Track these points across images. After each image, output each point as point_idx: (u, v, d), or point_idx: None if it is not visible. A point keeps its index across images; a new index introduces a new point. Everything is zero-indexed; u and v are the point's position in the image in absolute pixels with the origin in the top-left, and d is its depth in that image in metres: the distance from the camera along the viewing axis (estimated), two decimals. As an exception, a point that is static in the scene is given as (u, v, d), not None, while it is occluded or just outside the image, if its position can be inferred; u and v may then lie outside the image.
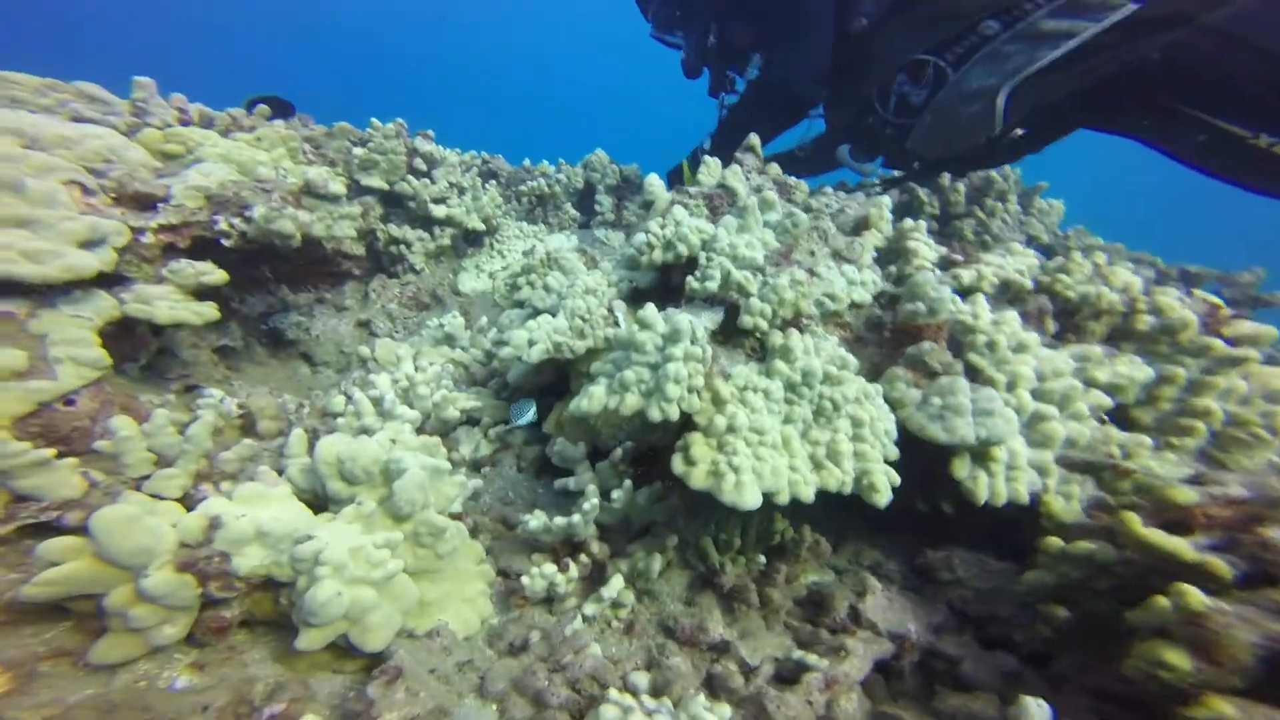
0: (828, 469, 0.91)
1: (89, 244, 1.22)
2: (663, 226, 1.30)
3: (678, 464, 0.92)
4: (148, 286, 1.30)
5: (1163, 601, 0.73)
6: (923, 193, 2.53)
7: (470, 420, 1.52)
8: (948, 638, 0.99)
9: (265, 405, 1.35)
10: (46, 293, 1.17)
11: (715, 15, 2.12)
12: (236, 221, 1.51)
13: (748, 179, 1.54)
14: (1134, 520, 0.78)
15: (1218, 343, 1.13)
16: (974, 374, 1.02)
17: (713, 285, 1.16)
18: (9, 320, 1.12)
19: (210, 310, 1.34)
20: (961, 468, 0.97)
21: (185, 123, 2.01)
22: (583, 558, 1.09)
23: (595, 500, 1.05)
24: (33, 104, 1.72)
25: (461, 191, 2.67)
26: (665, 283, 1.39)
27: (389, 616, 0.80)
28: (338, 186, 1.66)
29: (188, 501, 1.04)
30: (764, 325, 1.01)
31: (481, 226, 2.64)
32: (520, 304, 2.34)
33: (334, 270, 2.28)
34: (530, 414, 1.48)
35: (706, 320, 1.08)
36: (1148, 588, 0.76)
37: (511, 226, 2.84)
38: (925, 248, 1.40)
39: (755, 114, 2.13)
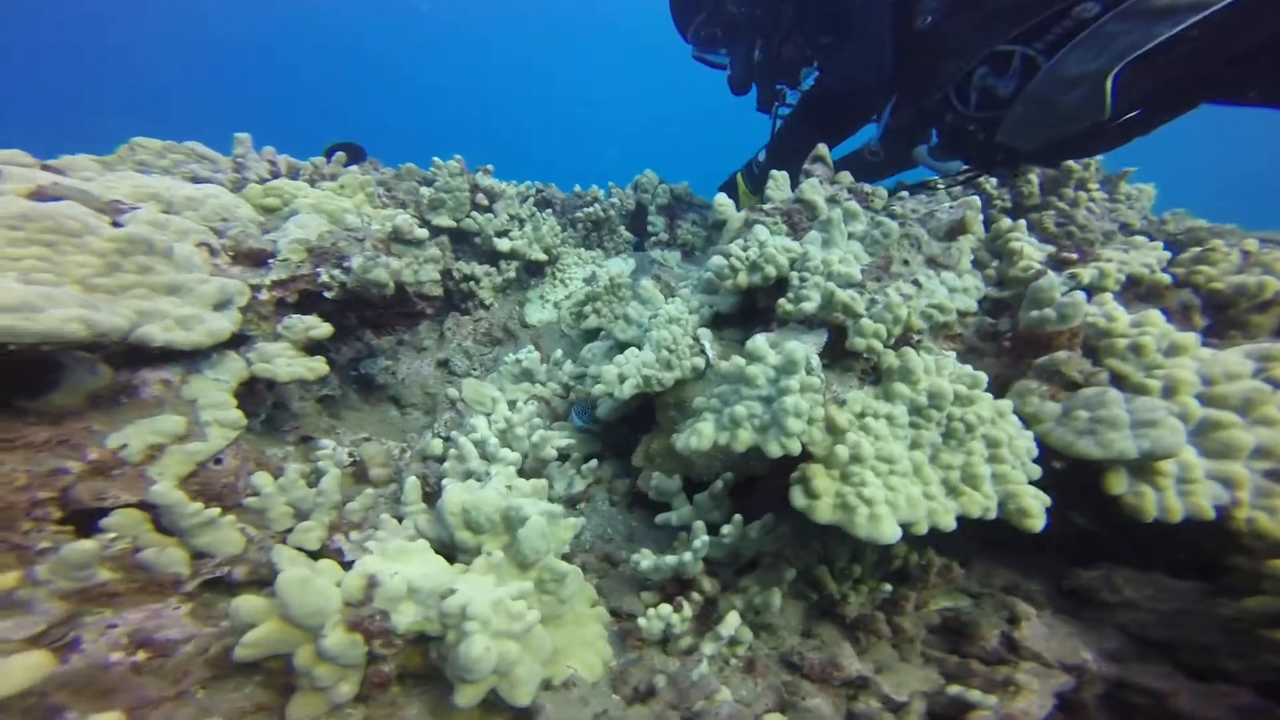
0: (967, 495, 0.85)
1: (220, 305, 1.33)
2: (745, 248, 1.28)
3: (798, 498, 0.89)
4: (267, 344, 1.40)
5: None
6: (989, 186, 2.38)
7: (561, 456, 1.54)
8: (1137, 667, 0.89)
9: (375, 453, 1.42)
10: (193, 357, 1.29)
11: (761, 30, 2.10)
12: (336, 273, 1.61)
13: (822, 190, 1.50)
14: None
15: None
16: (1118, 382, 0.94)
17: (809, 306, 1.13)
18: (168, 387, 1.24)
19: (321, 365, 1.43)
20: (1118, 483, 0.88)
21: (275, 174, 2.18)
22: (695, 595, 1.07)
23: (705, 537, 1.03)
24: (156, 166, 1.92)
25: (521, 223, 2.75)
26: (749, 306, 1.37)
27: (532, 669, 0.81)
28: (422, 231, 1.75)
29: (325, 552, 1.11)
30: (879, 346, 0.96)
31: (543, 256, 2.70)
32: (596, 334, 2.38)
33: (411, 311, 2.40)
34: (591, 415, 1.48)
35: (810, 344, 1.05)
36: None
37: (570, 254, 2.90)
38: (1030, 247, 1.31)
39: (813, 125, 2.08)
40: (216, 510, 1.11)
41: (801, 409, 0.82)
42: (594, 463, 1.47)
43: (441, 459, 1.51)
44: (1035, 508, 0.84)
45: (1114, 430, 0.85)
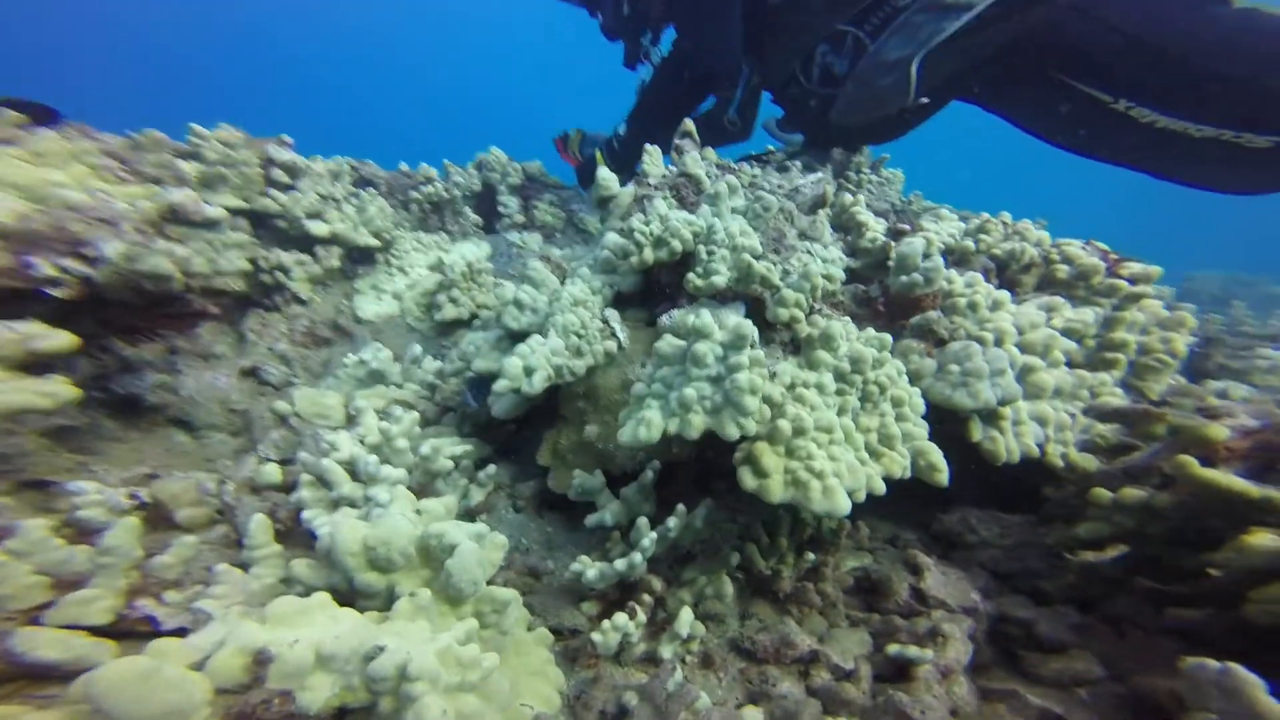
0: (888, 456, 0.93)
1: None
2: (647, 223, 1.23)
3: (747, 479, 0.87)
4: (-53, 366, 0.89)
5: (1257, 541, 0.77)
6: (795, 165, 2.74)
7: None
8: (1006, 600, 1.05)
9: (179, 490, 1.02)
10: None
11: None
12: (70, 264, 1.11)
13: (703, 164, 1.52)
14: (1192, 464, 0.83)
15: (1122, 283, 1.39)
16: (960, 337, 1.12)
17: (720, 280, 1.12)
18: None
19: (66, 389, 0.98)
20: (976, 430, 1.05)
21: None
22: (645, 597, 1.00)
23: (653, 534, 0.97)
24: None
25: (338, 204, 2.29)
26: (650, 285, 1.32)
27: None
28: (214, 209, 1.31)
29: (124, 625, 0.74)
30: (801, 315, 1.00)
31: (374, 242, 2.30)
32: (453, 326, 2.09)
33: (185, 311, 1.81)
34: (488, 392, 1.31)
35: (727, 317, 1.05)
36: (1205, 529, 0.85)
37: (407, 239, 2.52)
38: (873, 219, 1.51)
39: (671, 91, 2.11)
40: None
41: (756, 385, 0.81)
42: (491, 468, 1.29)
43: (282, 488, 1.16)
44: (942, 462, 0.96)
45: (980, 380, 1.02)
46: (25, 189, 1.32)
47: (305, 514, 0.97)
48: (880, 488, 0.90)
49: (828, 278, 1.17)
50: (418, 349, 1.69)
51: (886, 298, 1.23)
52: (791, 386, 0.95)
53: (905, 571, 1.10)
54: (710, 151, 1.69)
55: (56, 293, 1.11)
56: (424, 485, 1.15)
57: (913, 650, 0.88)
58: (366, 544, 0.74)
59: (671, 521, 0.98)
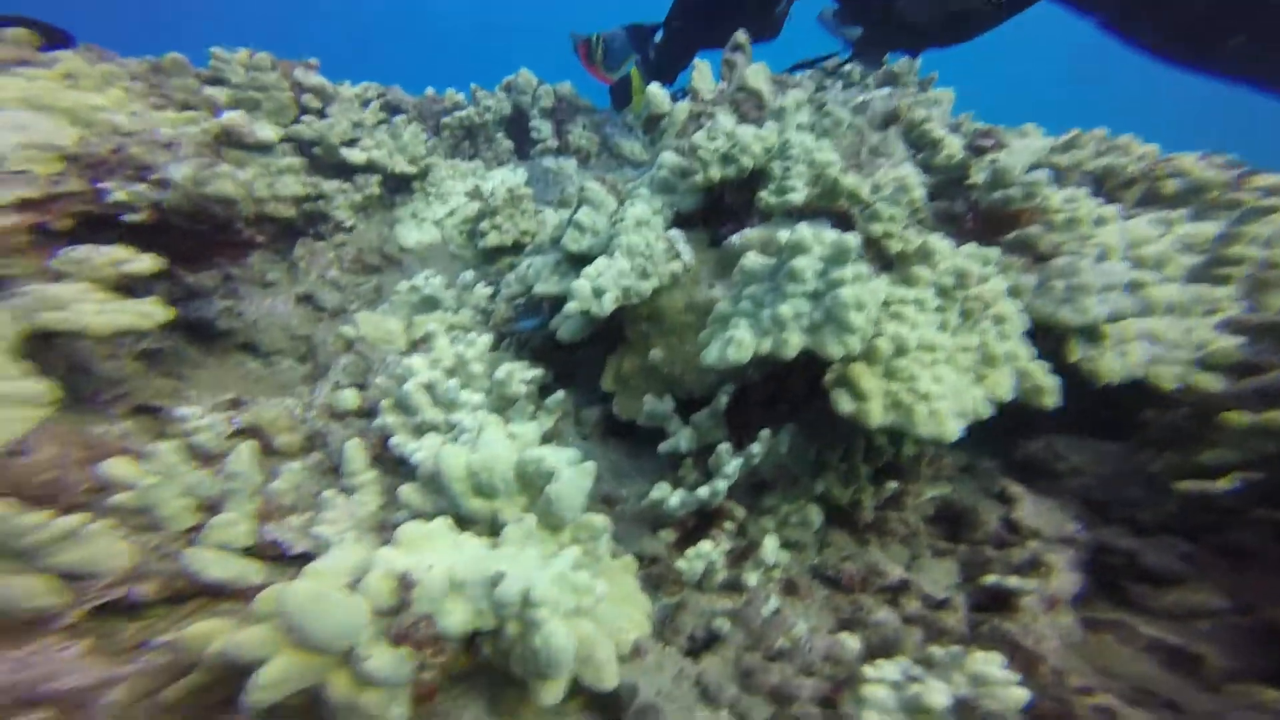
0: (991, 377, 0.89)
1: None
2: (712, 138, 1.15)
3: (843, 402, 0.85)
4: (45, 286, 0.92)
5: None
6: (856, 75, 2.52)
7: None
8: (1102, 531, 1.00)
9: (274, 416, 1.06)
10: None
11: None
12: (142, 188, 1.09)
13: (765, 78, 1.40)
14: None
15: (1249, 196, 1.27)
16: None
17: (797, 197, 1.06)
18: None
19: (159, 310, 1.00)
20: (1076, 349, 1.00)
21: None
22: (726, 524, 1.02)
23: (737, 460, 0.97)
24: None
25: (371, 130, 2.21)
26: (715, 204, 1.26)
27: (608, 647, 0.69)
28: (266, 131, 1.26)
29: (259, 548, 0.81)
30: (895, 230, 0.94)
31: (411, 169, 2.23)
32: (498, 253, 2.06)
33: (236, 240, 1.82)
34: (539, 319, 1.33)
35: (813, 236, 0.99)
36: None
37: (443, 166, 2.44)
38: (949, 135, 1.39)
39: None
40: (75, 518, 0.73)
41: (863, 300, 0.77)
42: (559, 394, 1.30)
43: (361, 413, 1.20)
44: (1051, 384, 0.87)
45: (1087, 296, 0.96)
46: (68, 112, 1.29)
47: (393, 440, 1.01)
48: (985, 411, 0.87)
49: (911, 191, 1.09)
50: (469, 275, 1.67)
51: (975, 214, 1.15)
52: (888, 304, 0.91)
53: (993, 500, 1.08)
54: (764, 67, 1.55)
55: (131, 217, 1.11)
56: (498, 411, 1.17)
57: (1013, 580, 0.88)
58: (470, 469, 0.77)
59: (755, 447, 0.99)
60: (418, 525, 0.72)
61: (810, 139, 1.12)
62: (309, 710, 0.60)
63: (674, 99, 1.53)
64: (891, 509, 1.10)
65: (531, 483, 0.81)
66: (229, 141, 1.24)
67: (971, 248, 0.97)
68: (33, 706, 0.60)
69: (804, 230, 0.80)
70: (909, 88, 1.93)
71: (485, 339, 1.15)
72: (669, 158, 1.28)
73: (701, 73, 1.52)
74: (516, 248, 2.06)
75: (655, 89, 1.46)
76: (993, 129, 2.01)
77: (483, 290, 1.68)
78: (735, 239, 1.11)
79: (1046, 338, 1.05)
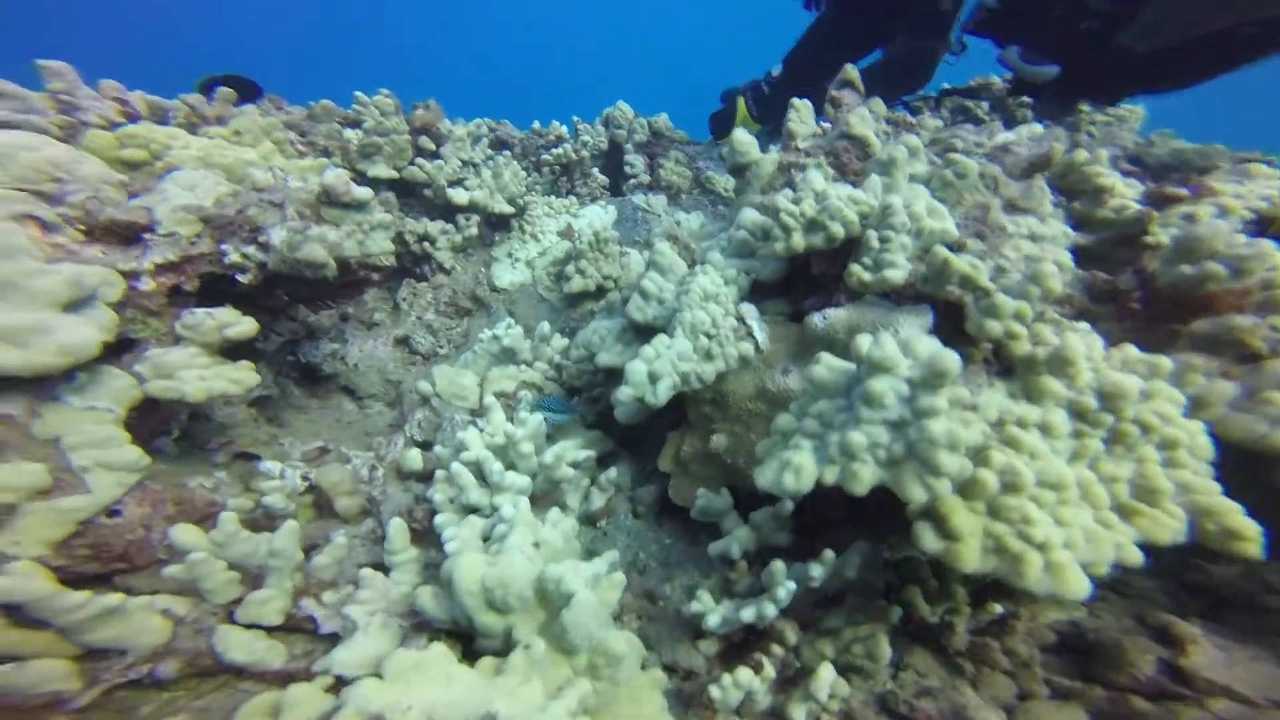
0: (1148, 516, 0.66)
1: (75, 305, 0.95)
2: (797, 200, 1.00)
3: (928, 539, 0.68)
4: (164, 351, 1.04)
5: None
6: (981, 111, 2.14)
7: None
8: None
9: (338, 480, 1.11)
10: (43, 382, 0.92)
11: None
12: (251, 250, 1.22)
13: (872, 121, 1.21)
14: None
15: None
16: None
17: (896, 275, 0.88)
18: (9, 424, 0.87)
19: (250, 375, 1.09)
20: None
21: (132, 118, 1.65)
22: (775, 648, 0.88)
23: (790, 585, 0.82)
24: None
25: (476, 169, 2.33)
26: (799, 272, 1.11)
27: None
28: (362, 190, 1.35)
29: (292, 624, 0.84)
30: (1021, 332, 0.74)
31: (509, 208, 2.30)
32: (581, 298, 2.06)
33: (354, 279, 2.00)
34: (565, 410, 1.27)
35: (912, 326, 0.81)
36: None
37: (539, 203, 2.50)
38: (1120, 181, 1.10)
39: (854, 21, 1.71)
40: (117, 597, 0.80)
41: (957, 439, 0.60)
42: (613, 471, 1.23)
43: (423, 475, 1.22)
44: (1250, 530, 0.66)
45: None
46: (227, 169, 1.49)
47: (438, 519, 1.00)
48: (1136, 558, 0.65)
49: (1059, 266, 0.86)
50: (546, 327, 1.67)
51: (1148, 292, 0.88)
52: (1001, 424, 0.71)
53: (1149, 635, 0.81)
54: (878, 103, 1.35)
55: (242, 278, 1.23)
56: (547, 492, 1.13)
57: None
58: (485, 584, 0.72)
59: (816, 569, 0.83)
60: (408, 655, 0.68)
61: (923, 199, 0.94)
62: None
63: (784, 144, 1.39)
64: (996, 634, 0.87)
65: (551, 600, 0.74)
66: (330, 199, 1.35)
67: (1131, 352, 0.73)
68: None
69: (889, 345, 0.64)
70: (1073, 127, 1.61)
71: (537, 417, 1.11)
72: (749, 216, 1.15)
73: (800, 114, 1.36)
74: (600, 292, 2.04)
75: (741, 134, 1.33)
76: (1203, 155, 1.60)
77: (559, 342, 1.67)
78: (818, 321, 0.95)
79: (1252, 465, 0.76)
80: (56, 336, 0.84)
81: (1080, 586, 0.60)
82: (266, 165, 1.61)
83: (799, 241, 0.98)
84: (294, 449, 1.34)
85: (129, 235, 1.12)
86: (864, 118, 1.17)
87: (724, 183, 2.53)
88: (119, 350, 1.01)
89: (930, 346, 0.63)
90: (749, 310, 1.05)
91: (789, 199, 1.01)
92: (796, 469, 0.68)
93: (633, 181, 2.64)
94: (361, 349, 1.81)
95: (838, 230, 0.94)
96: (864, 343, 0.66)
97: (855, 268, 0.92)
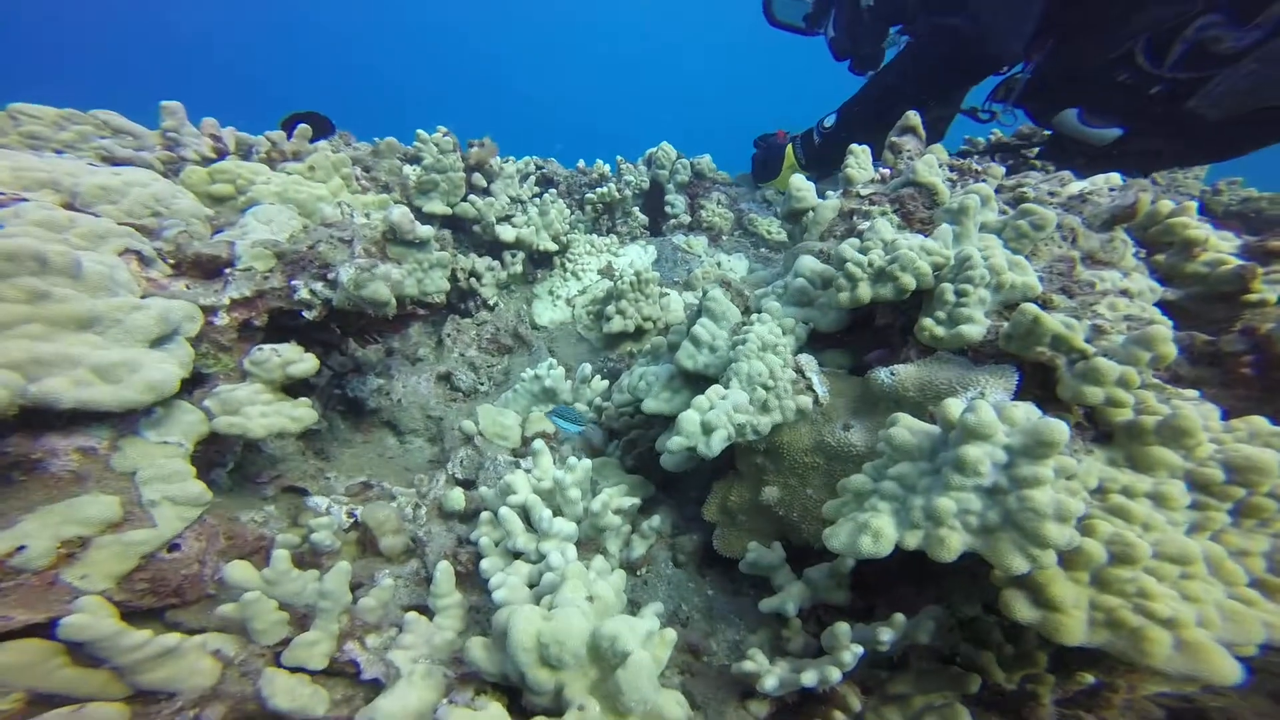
0: None
1: (161, 340, 0.98)
2: (865, 249, 0.98)
3: (1020, 608, 0.62)
4: (232, 388, 1.06)
5: None
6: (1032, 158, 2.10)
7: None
8: None
9: (384, 518, 1.11)
10: (126, 416, 0.95)
11: None
12: (319, 287, 1.25)
13: (939, 169, 1.19)
14: None
15: None
16: None
17: (973, 332, 0.84)
18: (92, 457, 0.90)
19: (309, 413, 1.10)
20: None
21: (222, 154, 1.77)
22: (837, 714, 0.81)
23: (857, 649, 0.76)
24: (53, 140, 1.49)
25: (522, 206, 2.39)
26: (863, 321, 1.07)
27: None
28: (425, 229, 1.40)
29: (335, 668, 0.82)
30: (1124, 397, 0.68)
31: (553, 246, 2.34)
32: (620, 338, 2.06)
33: (403, 314, 2.05)
34: (581, 426, 1.23)
35: (995, 389, 0.76)
36: None
37: (581, 241, 2.53)
38: (1214, 233, 1.04)
39: (924, 76, 1.73)
40: (175, 637, 0.79)
41: (1067, 510, 0.55)
42: (656, 519, 1.19)
43: (466, 515, 1.20)
44: None
45: None
46: (300, 204, 1.57)
47: (483, 564, 0.98)
48: None
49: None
50: (588, 369, 1.66)
51: (1266, 356, 0.81)
52: (1104, 493, 0.65)
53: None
54: (940, 149, 1.34)
55: (308, 314, 1.27)
56: (590, 538, 1.09)
57: None
58: (541, 640, 0.68)
59: (885, 634, 0.77)
60: (465, 715, 0.64)
61: (999, 250, 0.90)
62: None
63: (845, 190, 1.38)
64: (1089, 707, 0.78)
65: (604, 658, 0.70)
66: (394, 237, 1.39)
67: (1260, 424, 0.66)
68: None
69: (986, 412, 0.59)
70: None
71: (585, 463, 1.08)
72: (808, 264, 1.13)
73: (859, 160, 1.36)
74: (638, 333, 2.04)
75: (799, 180, 1.33)
76: (1275, 204, 1.52)
77: (599, 384, 1.66)
78: (884, 376, 0.91)
79: None
80: (144, 374, 0.87)
81: (1228, 669, 0.53)
82: (335, 201, 1.69)
83: (865, 292, 0.95)
84: (339, 483, 1.34)
85: (212, 269, 1.17)
86: (931, 164, 1.15)
87: (767, 225, 2.54)
88: (191, 384, 1.04)
89: (1030, 414, 0.58)
90: (809, 362, 1.02)
91: (855, 247, 0.99)
92: (875, 533, 0.64)
93: (673, 222, 2.66)
94: (406, 384, 1.83)
95: (909, 282, 0.91)
96: (954, 408, 0.62)
97: (928, 322, 0.88)
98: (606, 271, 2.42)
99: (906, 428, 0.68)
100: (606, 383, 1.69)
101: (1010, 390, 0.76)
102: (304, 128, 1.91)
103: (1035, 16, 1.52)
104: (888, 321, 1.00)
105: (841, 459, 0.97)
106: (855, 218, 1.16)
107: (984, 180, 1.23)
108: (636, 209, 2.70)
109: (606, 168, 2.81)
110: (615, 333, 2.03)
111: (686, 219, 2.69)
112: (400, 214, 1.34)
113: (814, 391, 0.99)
